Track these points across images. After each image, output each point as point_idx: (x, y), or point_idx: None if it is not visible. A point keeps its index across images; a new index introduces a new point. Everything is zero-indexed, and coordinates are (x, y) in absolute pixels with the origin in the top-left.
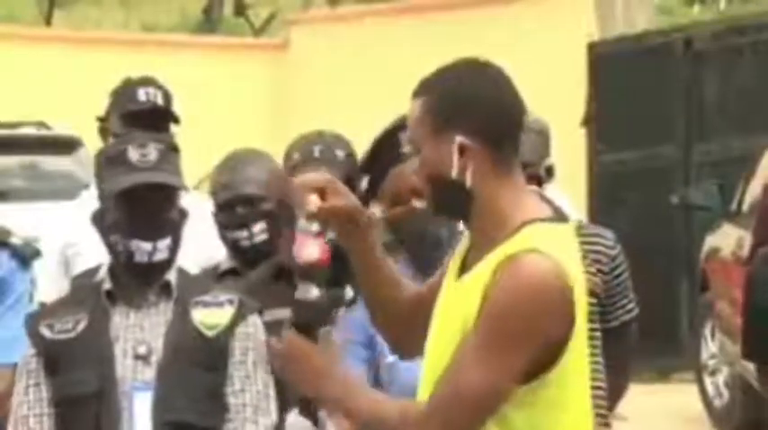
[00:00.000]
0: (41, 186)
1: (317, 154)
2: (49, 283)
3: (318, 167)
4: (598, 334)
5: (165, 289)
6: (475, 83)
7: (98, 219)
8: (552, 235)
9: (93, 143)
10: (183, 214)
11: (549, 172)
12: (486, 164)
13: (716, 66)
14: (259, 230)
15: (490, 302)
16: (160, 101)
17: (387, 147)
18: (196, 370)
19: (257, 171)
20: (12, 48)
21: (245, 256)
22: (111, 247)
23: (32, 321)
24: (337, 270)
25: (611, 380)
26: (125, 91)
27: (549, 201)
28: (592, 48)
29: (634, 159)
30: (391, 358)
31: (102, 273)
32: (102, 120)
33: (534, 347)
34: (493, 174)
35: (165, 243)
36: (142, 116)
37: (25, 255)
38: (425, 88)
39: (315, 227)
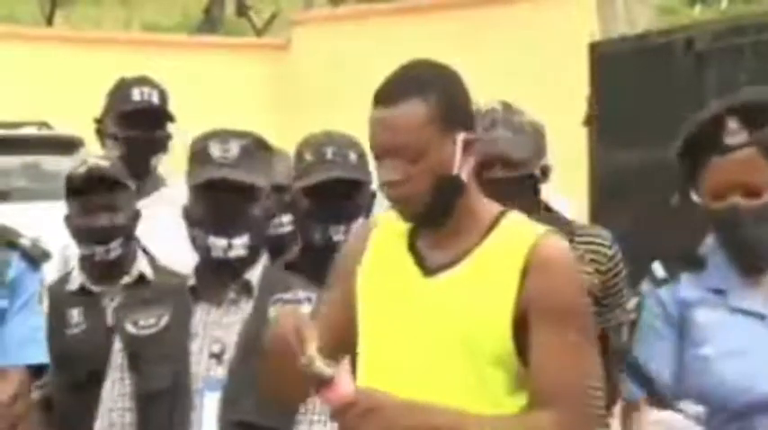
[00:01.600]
0: (43, 186)
1: (329, 156)
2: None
3: (331, 169)
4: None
5: (246, 286)
6: (456, 80)
7: (185, 214)
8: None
9: (94, 144)
10: (268, 213)
11: (545, 172)
12: (475, 158)
13: (717, 66)
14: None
15: (557, 293)
16: (155, 100)
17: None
18: None
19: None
20: (12, 48)
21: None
22: (193, 241)
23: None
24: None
25: (608, 380)
26: (120, 91)
27: None
28: (593, 48)
29: (636, 159)
30: None
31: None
32: (98, 121)
33: None
34: (473, 166)
35: (242, 240)
36: (137, 115)
37: (35, 257)
38: (413, 92)
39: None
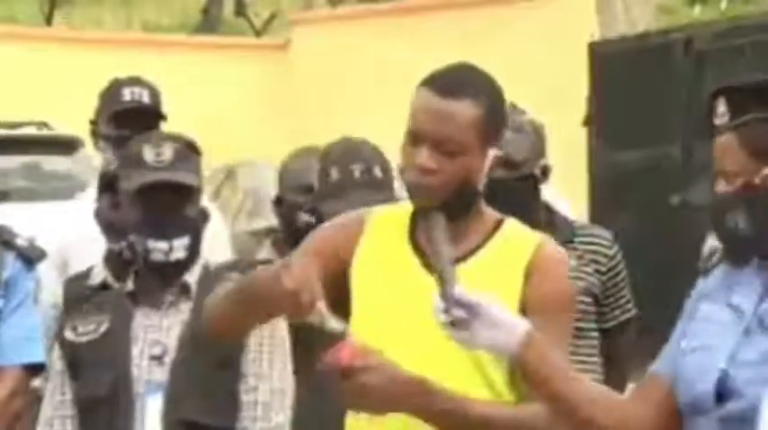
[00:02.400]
0: (43, 186)
1: (357, 174)
2: (45, 287)
3: (358, 191)
4: (595, 334)
5: (185, 288)
6: (500, 94)
7: (120, 220)
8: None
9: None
10: (205, 214)
11: (545, 172)
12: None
13: (717, 65)
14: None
15: (555, 292)
16: (146, 99)
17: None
18: (207, 369)
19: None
20: (12, 48)
21: None
22: (131, 247)
23: (59, 323)
24: None
25: (608, 380)
26: (111, 91)
27: None
28: (593, 47)
29: (635, 159)
30: None
31: (97, 273)
32: (93, 122)
33: None
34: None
35: (182, 242)
36: (128, 115)
37: (31, 256)
38: (466, 93)
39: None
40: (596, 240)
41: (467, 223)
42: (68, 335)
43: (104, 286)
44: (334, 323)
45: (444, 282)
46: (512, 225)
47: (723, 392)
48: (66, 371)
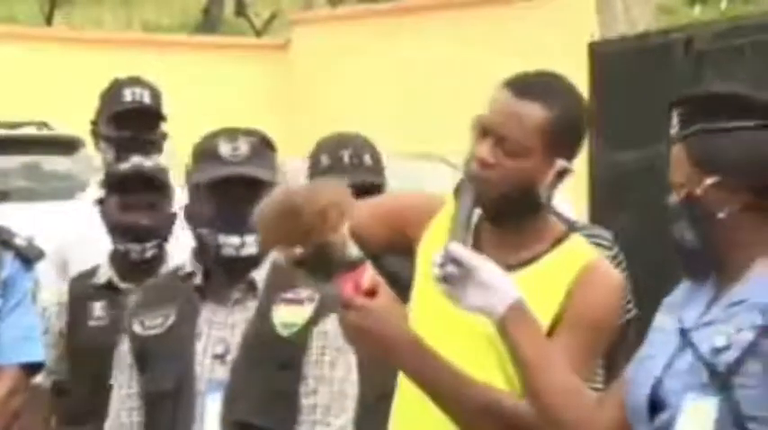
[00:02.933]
0: (43, 186)
1: (346, 159)
2: (44, 285)
3: (346, 173)
4: None
5: (252, 285)
6: (579, 107)
7: (186, 213)
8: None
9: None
10: None
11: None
12: (558, 181)
13: (717, 66)
14: None
15: (591, 310)
16: (147, 99)
17: None
18: (268, 369)
19: None
20: (12, 48)
21: None
22: (201, 240)
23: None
24: None
25: (607, 381)
26: (112, 92)
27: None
28: (593, 48)
29: (635, 159)
30: None
31: (103, 272)
32: (93, 123)
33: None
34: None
35: (253, 238)
36: (129, 116)
37: (29, 256)
38: (540, 97)
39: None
40: (597, 241)
41: (523, 233)
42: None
43: (109, 285)
44: (354, 250)
45: (449, 239)
46: (575, 241)
47: (656, 401)
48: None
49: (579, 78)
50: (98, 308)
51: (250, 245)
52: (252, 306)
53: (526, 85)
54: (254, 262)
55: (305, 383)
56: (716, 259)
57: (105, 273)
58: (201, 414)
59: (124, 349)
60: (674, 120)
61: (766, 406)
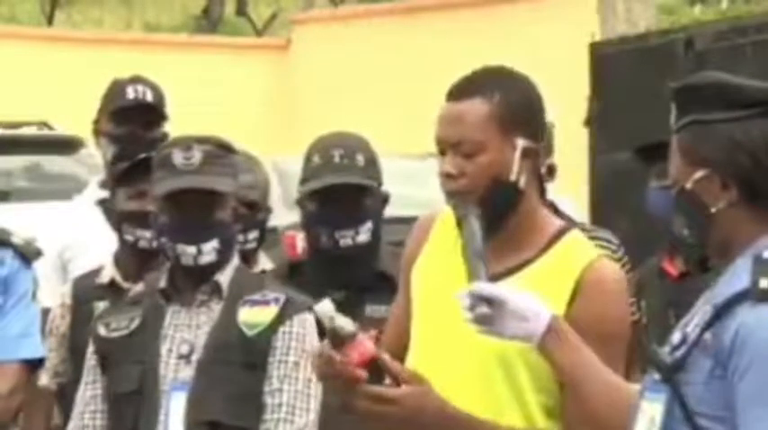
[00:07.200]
0: (43, 186)
1: (337, 159)
2: (45, 286)
3: (338, 173)
4: None
5: (216, 288)
6: (523, 87)
7: (152, 222)
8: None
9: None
10: (237, 215)
11: (551, 171)
12: (535, 167)
13: (717, 66)
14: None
15: (601, 319)
16: (149, 98)
17: None
18: (233, 369)
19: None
20: (12, 48)
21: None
22: (162, 249)
23: (94, 320)
24: None
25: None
26: (114, 90)
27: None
28: (593, 48)
29: (635, 159)
30: None
31: (106, 272)
32: (95, 122)
33: None
34: (535, 177)
35: (210, 245)
36: (131, 112)
37: (27, 255)
38: (476, 91)
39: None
40: (603, 244)
41: (516, 233)
42: (101, 330)
43: (113, 285)
44: (343, 322)
45: (470, 278)
46: (572, 237)
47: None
48: (98, 366)
49: (579, 78)
50: (101, 307)
51: (208, 253)
52: (217, 308)
53: (460, 88)
54: (213, 268)
55: (269, 382)
56: (712, 253)
57: (109, 273)
58: (166, 413)
59: (90, 351)
60: (673, 110)
61: (713, 402)
